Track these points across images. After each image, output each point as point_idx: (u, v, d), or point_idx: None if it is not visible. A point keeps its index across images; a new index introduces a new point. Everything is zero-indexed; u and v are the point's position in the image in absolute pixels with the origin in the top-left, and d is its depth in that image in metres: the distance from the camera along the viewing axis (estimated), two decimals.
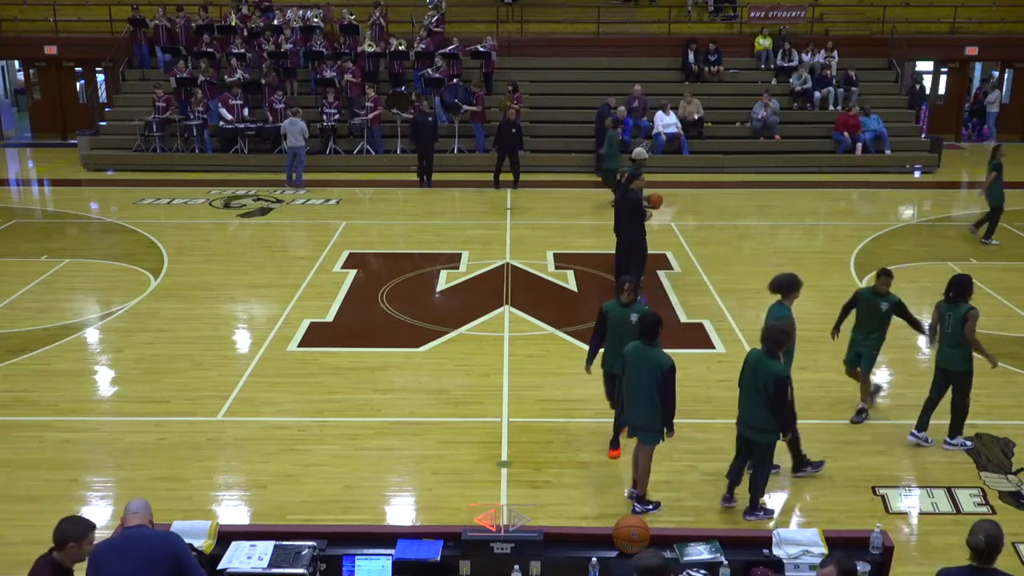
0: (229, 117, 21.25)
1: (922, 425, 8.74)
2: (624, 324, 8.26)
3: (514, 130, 19.04)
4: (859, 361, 9.17)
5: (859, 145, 21.65)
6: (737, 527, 7.32)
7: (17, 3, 25.84)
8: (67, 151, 23.56)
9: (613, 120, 18.36)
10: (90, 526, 5.05)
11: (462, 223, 17.10)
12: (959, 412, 8.62)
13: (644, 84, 22.45)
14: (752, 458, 7.56)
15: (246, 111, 21.51)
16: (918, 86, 23.95)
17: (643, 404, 7.41)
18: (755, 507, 7.61)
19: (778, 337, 7.26)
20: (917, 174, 21.49)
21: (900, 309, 9.03)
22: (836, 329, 9.32)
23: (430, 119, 19.69)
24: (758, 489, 7.55)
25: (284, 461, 8.47)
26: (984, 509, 7.78)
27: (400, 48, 22.62)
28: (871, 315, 9.03)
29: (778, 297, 8.38)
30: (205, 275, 13.83)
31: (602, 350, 8.61)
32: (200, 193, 19.11)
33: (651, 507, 7.70)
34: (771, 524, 7.46)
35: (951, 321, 8.37)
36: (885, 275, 8.99)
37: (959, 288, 8.40)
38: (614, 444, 8.50)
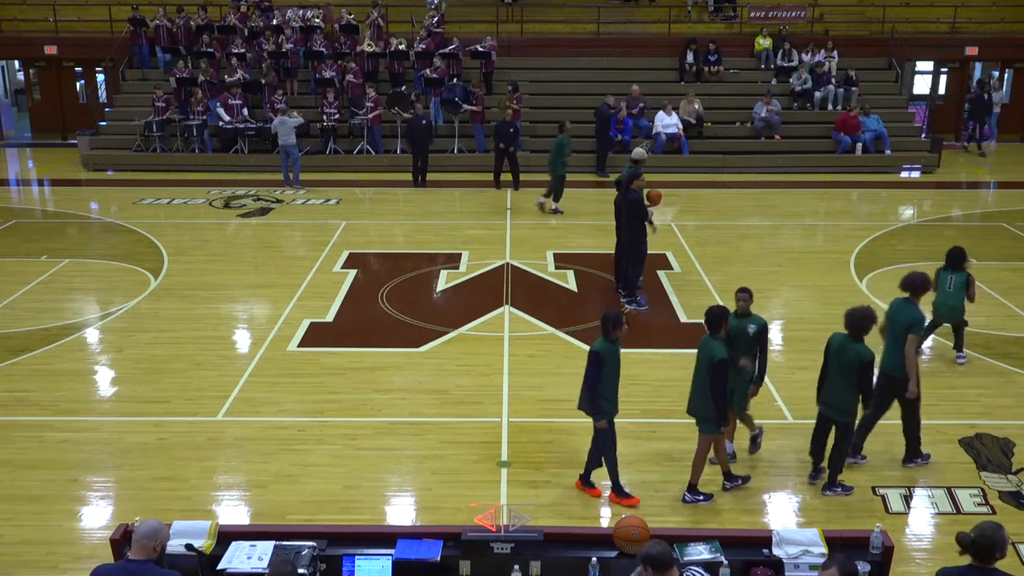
0: (227, 118, 21.24)
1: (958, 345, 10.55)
2: (741, 335, 8.03)
3: (511, 130, 19.03)
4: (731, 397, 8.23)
5: (859, 145, 21.65)
6: (737, 527, 7.32)
7: (17, 3, 25.84)
8: (67, 151, 23.57)
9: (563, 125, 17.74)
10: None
11: (462, 223, 17.10)
12: (961, 335, 10.59)
13: (644, 84, 22.46)
14: (834, 437, 7.88)
15: (245, 111, 21.51)
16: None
17: (699, 393, 7.63)
18: (833, 483, 7.93)
19: (863, 323, 7.58)
20: (908, 174, 21.48)
21: (764, 334, 8.20)
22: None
23: (424, 121, 19.73)
24: (836, 467, 7.90)
25: (284, 461, 8.48)
26: (984, 509, 7.78)
27: (400, 48, 22.62)
28: (737, 341, 8.08)
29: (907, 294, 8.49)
30: (205, 275, 13.83)
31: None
32: (200, 193, 19.12)
33: (702, 498, 7.79)
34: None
35: (953, 283, 10.22)
36: (743, 293, 8.12)
37: (955, 258, 10.18)
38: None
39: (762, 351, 8.10)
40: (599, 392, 7.58)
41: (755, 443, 8.45)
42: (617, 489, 7.83)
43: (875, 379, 7.76)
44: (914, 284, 8.42)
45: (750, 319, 8.02)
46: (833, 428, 7.88)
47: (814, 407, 9.31)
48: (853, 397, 7.65)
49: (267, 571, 5.07)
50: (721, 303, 12.38)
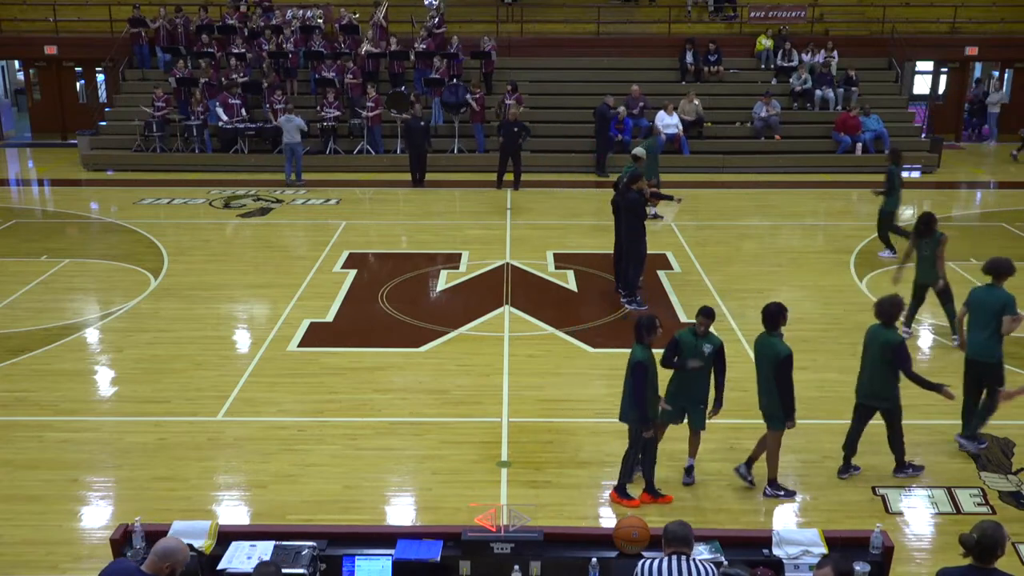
0: (225, 118, 21.25)
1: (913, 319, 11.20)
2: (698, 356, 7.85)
3: (516, 128, 19.04)
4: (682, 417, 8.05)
5: (859, 145, 21.65)
6: (737, 527, 7.32)
7: (17, 3, 25.84)
8: (67, 151, 23.56)
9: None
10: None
11: (462, 223, 17.10)
12: (950, 314, 10.84)
13: (644, 84, 22.46)
14: (886, 426, 8.10)
15: (244, 111, 21.51)
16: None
17: (764, 391, 7.77)
18: (903, 466, 8.18)
19: (891, 310, 7.88)
20: (908, 174, 21.46)
21: (721, 354, 7.96)
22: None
23: (422, 123, 19.75)
24: (899, 449, 8.16)
25: (284, 461, 8.47)
26: (984, 509, 7.78)
27: (399, 48, 22.62)
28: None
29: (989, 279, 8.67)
30: (205, 275, 13.83)
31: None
32: (200, 193, 19.12)
33: (782, 493, 7.86)
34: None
35: (928, 246, 10.81)
36: (705, 315, 7.82)
37: (925, 224, 10.89)
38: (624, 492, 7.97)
39: (719, 372, 7.94)
40: (644, 400, 7.49)
41: (689, 474, 8.14)
42: (620, 490, 7.82)
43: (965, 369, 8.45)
44: (999, 268, 8.63)
45: (707, 339, 7.80)
46: (876, 420, 8.08)
47: (815, 408, 9.35)
48: (893, 383, 7.89)
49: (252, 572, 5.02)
50: (721, 304, 12.49)
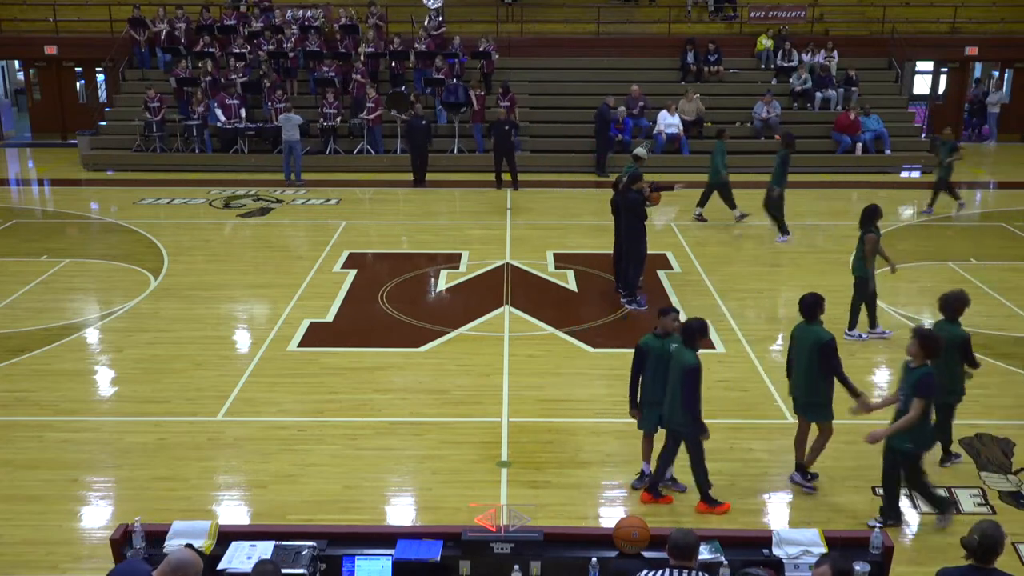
0: (223, 118, 21.25)
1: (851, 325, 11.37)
2: (663, 354, 7.71)
3: (507, 127, 19.02)
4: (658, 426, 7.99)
5: (859, 145, 21.65)
6: (737, 527, 7.31)
7: (17, 3, 25.83)
8: (67, 151, 23.56)
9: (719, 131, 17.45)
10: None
11: (462, 223, 17.10)
12: (871, 308, 11.37)
13: (644, 84, 22.46)
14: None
15: (243, 111, 21.51)
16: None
17: (804, 382, 7.82)
18: (949, 454, 8.40)
19: (955, 304, 8.03)
20: (908, 174, 21.47)
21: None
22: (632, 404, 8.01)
23: (423, 122, 19.74)
24: (946, 442, 8.36)
25: (284, 461, 8.47)
26: (984, 509, 7.78)
27: (400, 48, 22.63)
28: (659, 360, 7.76)
29: None
30: (205, 275, 13.83)
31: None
32: (200, 193, 19.12)
33: (807, 485, 7.99)
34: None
35: (857, 243, 11.09)
36: (673, 316, 7.76)
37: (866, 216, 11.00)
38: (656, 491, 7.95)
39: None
40: (699, 405, 7.45)
41: (641, 478, 8.09)
42: (707, 499, 7.72)
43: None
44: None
45: (672, 339, 7.67)
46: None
47: None
48: (956, 375, 8.00)
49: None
50: (721, 304, 12.49)
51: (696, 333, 7.43)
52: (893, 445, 7.23)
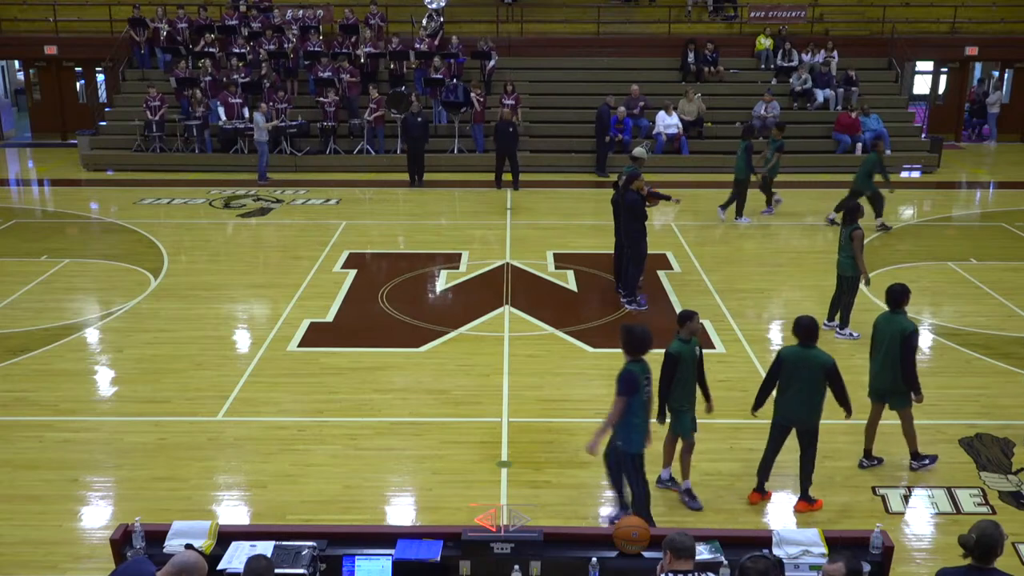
0: (224, 117, 21.23)
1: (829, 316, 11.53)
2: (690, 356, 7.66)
3: (511, 129, 19.02)
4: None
5: (859, 145, 21.65)
6: (737, 527, 7.32)
7: (17, 3, 25.84)
8: (67, 151, 23.57)
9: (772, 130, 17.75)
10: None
11: (462, 223, 17.10)
12: (844, 307, 11.39)
13: (644, 84, 22.46)
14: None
15: (245, 111, 21.51)
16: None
17: (886, 370, 8.03)
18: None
19: (899, 296, 8.15)
20: (908, 174, 21.47)
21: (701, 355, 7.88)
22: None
23: (419, 119, 19.70)
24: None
25: (284, 461, 8.47)
26: (984, 509, 7.78)
27: (399, 48, 22.63)
28: (686, 363, 7.67)
29: None
30: (205, 275, 13.83)
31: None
32: (200, 193, 19.12)
33: (927, 461, 8.31)
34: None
35: (842, 237, 11.07)
36: (693, 319, 7.62)
37: (848, 213, 11.11)
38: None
39: (703, 372, 7.82)
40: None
41: (656, 482, 7.97)
42: (806, 496, 7.84)
43: None
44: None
45: (694, 341, 7.62)
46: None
47: None
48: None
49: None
50: (722, 304, 12.49)
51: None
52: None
